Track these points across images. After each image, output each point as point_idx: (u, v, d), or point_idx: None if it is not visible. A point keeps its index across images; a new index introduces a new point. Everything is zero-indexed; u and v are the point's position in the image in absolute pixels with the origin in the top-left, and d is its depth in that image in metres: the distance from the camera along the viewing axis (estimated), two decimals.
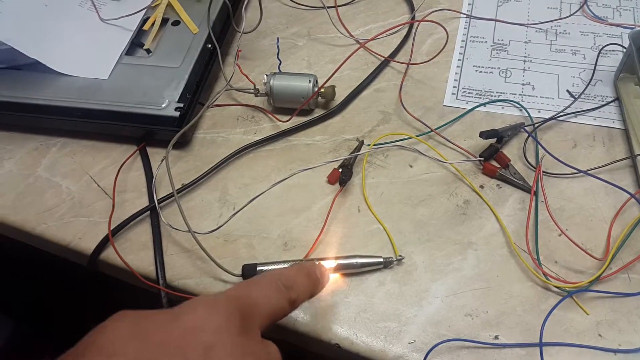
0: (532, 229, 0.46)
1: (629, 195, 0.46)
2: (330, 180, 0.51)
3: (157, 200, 0.49)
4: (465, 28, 0.64)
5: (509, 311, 0.42)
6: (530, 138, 0.52)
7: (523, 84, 0.57)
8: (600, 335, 0.41)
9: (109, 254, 0.47)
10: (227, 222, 0.47)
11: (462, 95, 0.57)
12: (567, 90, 0.56)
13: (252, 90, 0.56)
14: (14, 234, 0.51)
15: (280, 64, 0.59)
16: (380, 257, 0.45)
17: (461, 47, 0.62)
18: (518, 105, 0.55)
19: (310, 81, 0.55)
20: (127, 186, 0.52)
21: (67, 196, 0.52)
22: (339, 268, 0.44)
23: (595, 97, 0.56)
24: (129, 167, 0.53)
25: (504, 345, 0.41)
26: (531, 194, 0.48)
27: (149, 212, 0.49)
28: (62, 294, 0.79)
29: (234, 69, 0.58)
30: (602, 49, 0.59)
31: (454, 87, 0.58)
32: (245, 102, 0.58)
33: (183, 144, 0.54)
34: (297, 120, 0.56)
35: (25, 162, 0.55)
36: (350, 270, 0.45)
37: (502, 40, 0.62)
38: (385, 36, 0.63)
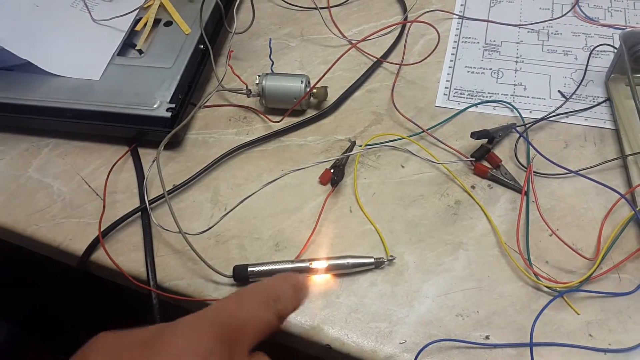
0: (523, 229, 0.46)
1: (619, 196, 0.46)
2: (322, 180, 0.51)
3: (148, 201, 0.49)
4: (457, 29, 0.64)
5: (500, 311, 0.42)
6: (521, 138, 0.52)
7: (515, 85, 0.58)
8: (590, 335, 0.41)
9: (99, 255, 0.47)
10: (217, 222, 0.47)
11: (454, 96, 0.57)
12: (559, 91, 0.57)
13: (244, 91, 0.56)
14: (5, 235, 0.51)
15: (272, 64, 0.59)
16: (371, 257, 0.45)
17: (453, 47, 0.62)
18: (509, 106, 0.56)
19: (302, 82, 0.55)
20: (118, 187, 0.52)
21: (58, 197, 0.51)
22: (330, 268, 0.44)
23: (586, 98, 0.56)
24: (121, 168, 0.53)
25: (495, 345, 0.41)
26: (522, 194, 0.48)
27: (139, 213, 0.49)
28: (56, 296, 0.78)
29: (226, 70, 0.58)
30: (593, 49, 0.59)
31: (446, 87, 0.58)
32: (238, 102, 0.58)
33: (175, 144, 0.54)
34: (289, 121, 0.56)
35: (16, 163, 0.54)
36: (342, 271, 0.45)
37: (494, 40, 0.62)
38: (378, 37, 0.63)
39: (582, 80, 0.57)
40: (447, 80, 0.59)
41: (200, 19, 0.57)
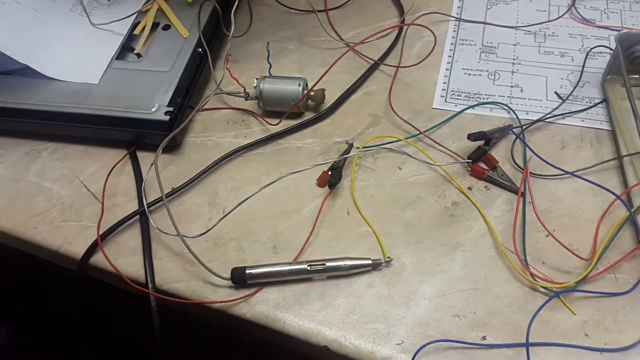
0: (519, 230, 0.47)
1: (615, 196, 0.46)
2: (320, 183, 0.51)
3: (147, 204, 0.49)
4: (454, 31, 0.64)
5: (497, 312, 0.43)
6: (518, 140, 0.52)
7: (511, 86, 0.58)
8: (586, 334, 0.41)
9: (98, 259, 0.48)
10: (216, 225, 0.47)
11: (451, 98, 0.57)
12: (555, 92, 0.57)
13: (242, 94, 0.57)
14: (4, 239, 0.51)
15: (270, 67, 0.59)
16: (369, 259, 0.45)
17: (450, 49, 0.62)
18: (506, 108, 0.56)
19: (300, 84, 0.55)
20: (117, 190, 0.52)
21: (58, 201, 0.52)
22: (328, 270, 0.45)
23: (583, 99, 0.56)
24: (119, 172, 0.53)
25: (492, 346, 0.41)
26: (519, 195, 0.48)
27: (138, 216, 0.49)
28: (55, 300, 0.79)
29: (224, 73, 0.58)
30: (589, 51, 0.59)
31: (443, 89, 0.58)
32: (236, 105, 0.58)
33: (173, 147, 0.55)
34: (287, 124, 0.56)
35: (15, 167, 0.55)
36: (339, 273, 0.45)
37: (491, 42, 0.62)
38: (375, 39, 0.63)
39: (578, 82, 0.57)
40: (444, 82, 0.59)
41: (198, 23, 0.58)
